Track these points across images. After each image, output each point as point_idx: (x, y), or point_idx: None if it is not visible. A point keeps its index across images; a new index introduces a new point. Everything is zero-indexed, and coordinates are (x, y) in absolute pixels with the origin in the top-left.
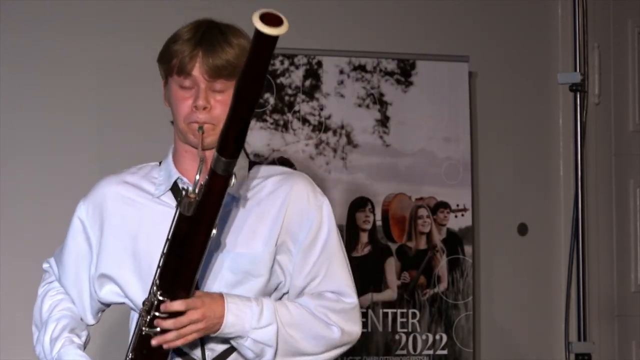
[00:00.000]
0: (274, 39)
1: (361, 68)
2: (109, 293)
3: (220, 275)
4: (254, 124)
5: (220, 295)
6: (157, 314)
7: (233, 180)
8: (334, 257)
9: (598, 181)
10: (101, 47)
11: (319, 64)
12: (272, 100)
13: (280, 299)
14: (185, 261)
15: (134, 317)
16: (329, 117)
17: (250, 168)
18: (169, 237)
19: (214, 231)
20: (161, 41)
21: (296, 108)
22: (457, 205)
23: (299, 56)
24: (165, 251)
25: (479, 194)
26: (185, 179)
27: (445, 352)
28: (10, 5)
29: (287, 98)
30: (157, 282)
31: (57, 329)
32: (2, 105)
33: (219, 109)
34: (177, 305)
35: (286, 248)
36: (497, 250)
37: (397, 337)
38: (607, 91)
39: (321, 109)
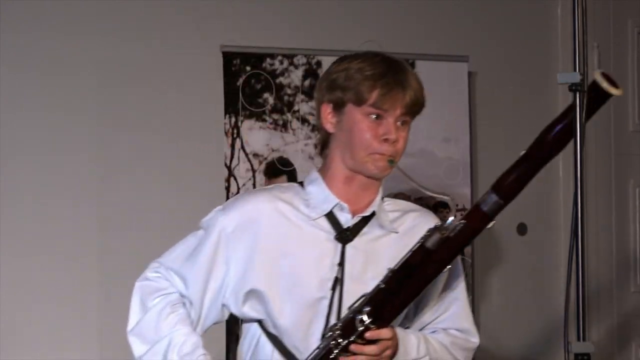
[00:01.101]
0: (609, 97)
1: None
2: (250, 309)
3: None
4: (252, 123)
5: (391, 325)
6: (355, 339)
7: (492, 223)
8: (461, 296)
9: (598, 181)
10: (101, 47)
11: (318, 63)
12: (271, 100)
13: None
14: (407, 292)
15: (256, 335)
16: None
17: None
18: (395, 267)
19: (448, 268)
20: (161, 41)
21: (295, 108)
22: (457, 205)
23: (299, 56)
24: (385, 280)
25: (478, 194)
26: (345, 205)
27: None
28: (10, 5)
29: (286, 98)
30: (367, 309)
31: (188, 344)
32: (2, 105)
33: (401, 143)
34: (385, 332)
35: None
36: (497, 250)
37: None
38: None
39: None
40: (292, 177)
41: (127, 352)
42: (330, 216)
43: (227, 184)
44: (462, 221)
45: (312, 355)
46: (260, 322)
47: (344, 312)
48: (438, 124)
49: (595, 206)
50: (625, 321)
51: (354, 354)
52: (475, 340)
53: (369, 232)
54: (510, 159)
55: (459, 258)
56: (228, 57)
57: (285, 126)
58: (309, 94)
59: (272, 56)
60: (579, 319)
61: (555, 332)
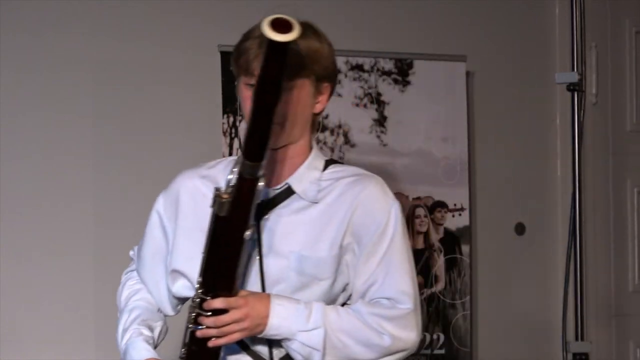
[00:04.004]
0: (285, 45)
1: (359, 67)
2: (181, 288)
3: (286, 277)
4: None
5: (267, 296)
6: (200, 311)
7: (261, 183)
8: (394, 263)
9: (595, 181)
10: (99, 46)
11: None
12: None
13: (349, 298)
14: (222, 261)
15: None
16: (326, 117)
17: (325, 168)
18: (207, 236)
19: (248, 232)
20: (159, 41)
21: None
22: (455, 205)
23: None
24: (204, 250)
25: (476, 194)
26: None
27: (442, 351)
28: (9, 6)
29: None
30: (200, 280)
31: (129, 319)
32: (2, 106)
33: (283, 107)
34: (217, 303)
35: (352, 249)
36: (495, 249)
37: None
38: (605, 91)
39: None
40: None
41: None
42: None
43: None
44: (233, 185)
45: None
46: None
47: (267, 287)
48: (436, 124)
49: (593, 206)
50: (623, 321)
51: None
52: (403, 306)
53: (289, 205)
54: (508, 159)
55: (398, 227)
56: (226, 57)
57: None
58: None
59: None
60: (577, 319)
61: (553, 331)
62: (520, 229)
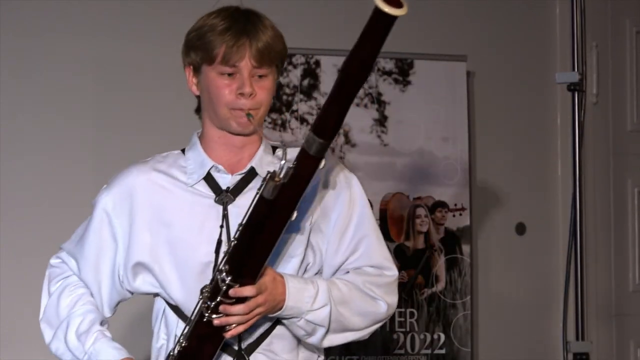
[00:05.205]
0: (393, 19)
1: None
2: (143, 283)
3: None
4: None
5: (282, 278)
6: (221, 299)
7: (323, 162)
8: (369, 232)
9: (596, 181)
10: (99, 47)
11: (317, 63)
12: None
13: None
14: (260, 245)
15: (161, 307)
16: None
17: (274, 151)
18: (244, 221)
19: (295, 214)
20: (161, 43)
21: (294, 107)
22: (455, 205)
23: (297, 55)
24: (237, 236)
25: (477, 194)
26: (220, 166)
27: (443, 351)
28: (10, 6)
29: (285, 97)
30: (226, 267)
31: (85, 323)
32: (2, 106)
33: (262, 94)
34: (248, 290)
35: (318, 228)
36: (495, 249)
37: (395, 336)
38: (605, 91)
39: (319, 108)
40: None
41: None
42: (209, 179)
43: None
44: (293, 164)
45: (189, 321)
46: (160, 294)
47: None
48: (436, 124)
49: (594, 206)
50: (624, 320)
51: (226, 314)
52: (390, 273)
53: (254, 188)
54: (509, 159)
55: (363, 198)
56: None
57: (283, 125)
58: (307, 93)
59: None
60: (578, 319)
61: (553, 331)
62: (520, 229)
